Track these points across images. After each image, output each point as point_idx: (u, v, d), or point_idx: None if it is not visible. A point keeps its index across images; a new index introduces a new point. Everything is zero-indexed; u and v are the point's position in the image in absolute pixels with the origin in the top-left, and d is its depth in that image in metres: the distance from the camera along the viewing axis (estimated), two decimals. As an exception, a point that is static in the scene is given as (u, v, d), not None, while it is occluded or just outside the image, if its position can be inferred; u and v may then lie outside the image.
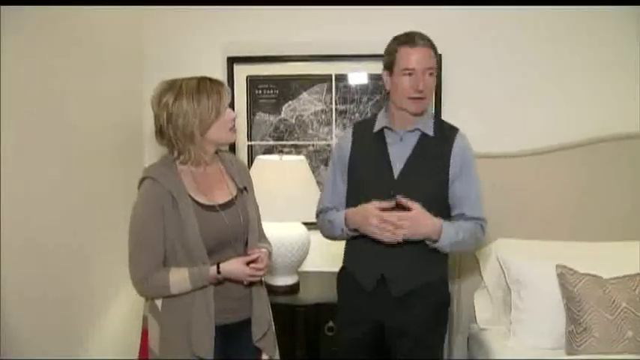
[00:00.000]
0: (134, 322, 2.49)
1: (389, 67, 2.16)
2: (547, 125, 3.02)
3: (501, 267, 2.74)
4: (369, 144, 2.22)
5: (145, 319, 2.01)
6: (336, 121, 3.11)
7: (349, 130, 2.33)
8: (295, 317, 2.74)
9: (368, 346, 2.26)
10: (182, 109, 1.87)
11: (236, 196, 2.04)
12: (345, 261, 2.35)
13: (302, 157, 2.95)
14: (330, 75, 3.08)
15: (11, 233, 1.96)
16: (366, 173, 2.20)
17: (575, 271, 2.49)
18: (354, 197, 2.21)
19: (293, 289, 2.89)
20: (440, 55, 2.94)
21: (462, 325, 3.00)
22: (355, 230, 2.17)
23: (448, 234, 2.08)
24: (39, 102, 2.16)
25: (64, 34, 2.33)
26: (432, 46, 2.13)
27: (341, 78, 3.09)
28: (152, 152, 2.99)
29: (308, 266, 3.04)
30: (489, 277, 2.83)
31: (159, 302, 1.94)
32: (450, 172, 2.13)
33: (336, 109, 3.11)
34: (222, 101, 1.92)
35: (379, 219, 2.04)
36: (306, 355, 2.75)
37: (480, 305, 2.87)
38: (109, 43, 2.74)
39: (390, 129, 2.19)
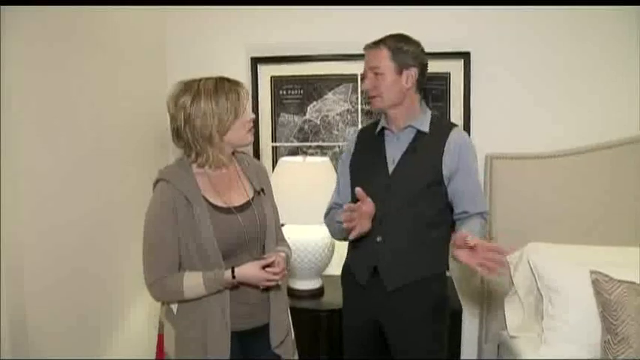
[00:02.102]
0: (151, 328, 2.47)
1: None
2: (575, 126, 2.91)
3: (532, 272, 2.64)
4: (369, 144, 2.27)
5: (161, 324, 1.97)
6: (361, 121, 3.04)
7: (357, 132, 2.39)
8: (319, 322, 2.68)
9: (365, 340, 2.26)
10: (200, 110, 1.82)
11: (253, 198, 1.99)
12: (347, 256, 2.35)
13: (326, 159, 2.89)
14: (356, 75, 3.01)
15: (31, 235, 1.96)
16: (363, 171, 2.24)
17: (611, 278, 2.37)
18: (355, 196, 2.18)
19: (317, 293, 2.84)
20: (468, 53, 2.91)
21: (491, 332, 2.90)
22: None
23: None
24: (61, 104, 2.16)
25: (86, 35, 2.33)
26: (389, 47, 2.13)
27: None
28: (178, 153, 2.97)
29: (332, 270, 2.98)
30: (520, 282, 2.72)
31: (174, 307, 1.90)
32: (444, 167, 2.12)
33: (362, 110, 3.04)
34: (240, 102, 1.87)
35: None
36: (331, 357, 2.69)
37: (510, 312, 2.76)
38: (132, 44, 2.74)
39: (388, 129, 2.22)
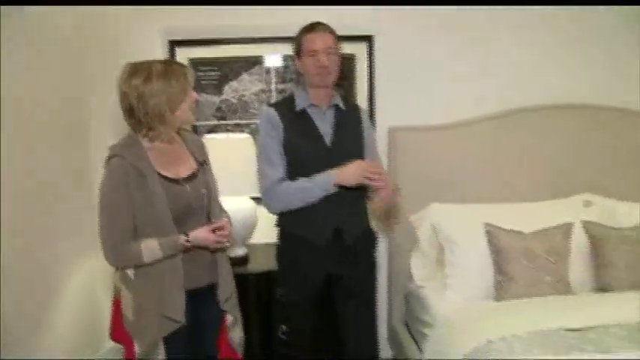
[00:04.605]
0: (93, 296, 2.58)
1: (298, 53, 2.48)
2: (469, 98, 3.32)
3: (434, 228, 3.02)
4: (296, 121, 2.48)
5: (117, 289, 2.13)
6: (276, 100, 3.27)
7: (271, 110, 2.51)
8: (247, 285, 2.91)
9: (317, 301, 2.51)
10: (153, 90, 1.98)
11: (197, 170, 2.19)
12: (287, 226, 2.54)
13: (247, 135, 3.11)
14: (269, 56, 3.25)
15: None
16: (302, 147, 2.45)
17: (501, 228, 2.80)
18: (294, 170, 2.44)
19: (243, 259, 3.06)
20: (371, 36, 3.23)
21: (399, 285, 3.27)
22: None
23: None
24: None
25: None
26: (332, 32, 2.45)
27: (279, 58, 3.27)
28: (99, 134, 3.08)
29: (256, 239, 3.20)
30: (424, 238, 3.11)
31: (131, 272, 2.06)
32: (365, 137, 2.55)
33: (276, 89, 3.28)
34: (188, 83, 2.06)
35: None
36: (260, 319, 2.93)
37: (415, 265, 3.15)
38: (48, 30, 2.76)
39: (314, 106, 2.48)
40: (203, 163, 2.23)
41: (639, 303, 2.62)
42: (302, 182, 2.41)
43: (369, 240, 2.59)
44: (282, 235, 2.57)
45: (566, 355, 2.16)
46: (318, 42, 2.41)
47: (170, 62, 2.05)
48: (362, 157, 2.47)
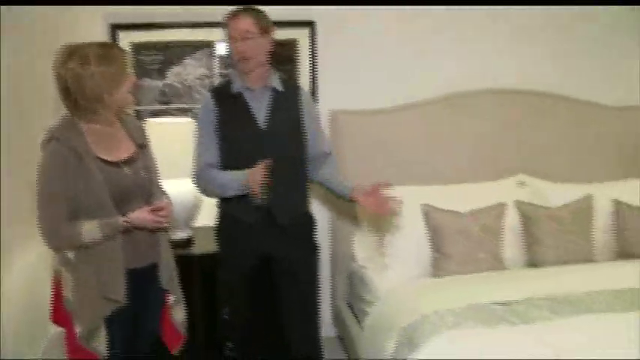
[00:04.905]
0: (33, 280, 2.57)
1: (227, 38, 2.51)
2: (413, 82, 3.43)
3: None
4: (231, 104, 2.51)
5: (57, 271, 2.13)
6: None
7: (209, 94, 2.59)
8: (192, 267, 2.96)
9: (255, 281, 2.57)
10: (90, 73, 1.98)
11: (136, 152, 2.21)
12: (223, 206, 2.60)
13: (190, 119, 3.12)
14: (212, 41, 3.27)
15: None
16: (235, 129, 2.49)
17: (438, 208, 2.91)
18: (228, 153, 2.49)
19: (187, 242, 3.10)
20: (313, 22, 3.28)
21: (342, 265, 3.36)
22: None
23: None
24: None
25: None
26: (256, 16, 2.44)
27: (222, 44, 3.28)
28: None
29: (201, 222, 3.23)
30: (365, 219, 3.19)
31: (71, 254, 2.07)
32: (304, 119, 2.54)
33: (219, 74, 3.30)
34: (126, 65, 2.07)
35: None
36: (205, 301, 2.98)
37: (358, 245, 3.24)
38: None
39: (248, 88, 2.50)
40: (142, 146, 2.25)
41: (565, 277, 2.78)
42: (222, 176, 2.49)
43: (306, 222, 2.62)
44: (219, 215, 2.62)
45: (494, 327, 2.28)
46: (233, 28, 2.42)
47: (108, 45, 2.06)
48: (298, 138, 2.51)
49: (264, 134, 2.46)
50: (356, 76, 3.40)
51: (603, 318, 2.37)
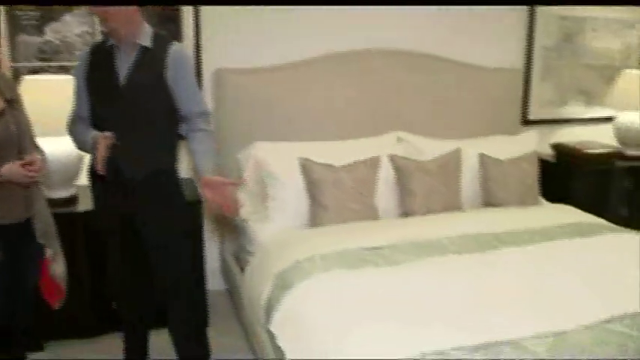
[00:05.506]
0: None
1: None
2: (299, 41, 3.54)
3: (258, 165, 3.23)
4: (100, 60, 2.50)
5: None
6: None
7: (86, 49, 2.60)
8: (76, 225, 2.99)
9: (122, 238, 2.59)
10: None
11: (5, 108, 2.20)
12: (90, 159, 2.59)
13: (69, 77, 3.09)
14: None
15: None
16: (97, 85, 2.50)
17: (314, 162, 3.06)
18: (93, 107, 2.51)
19: (71, 200, 3.11)
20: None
21: (227, 220, 3.47)
22: None
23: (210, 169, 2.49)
24: None
25: None
26: None
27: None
28: None
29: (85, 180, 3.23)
30: (249, 174, 3.30)
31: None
32: (168, 78, 2.46)
33: (101, 31, 3.27)
34: None
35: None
36: (90, 257, 3.02)
37: (242, 200, 3.34)
38: None
39: (117, 45, 2.48)
40: (12, 101, 2.24)
41: (431, 224, 3.03)
42: (80, 134, 2.52)
43: (166, 180, 2.55)
44: (88, 171, 2.62)
45: (361, 268, 2.48)
46: None
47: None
48: (160, 95, 2.46)
49: (124, 90, 2.44)
50: (240, 35, 3.46)
51: (459, 259, 2.62)
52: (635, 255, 2.66)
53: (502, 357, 1.88)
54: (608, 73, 4.33)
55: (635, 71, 4.15)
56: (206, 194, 2.44)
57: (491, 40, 4.01)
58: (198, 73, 3.41)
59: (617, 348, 1.96)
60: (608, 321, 2.10)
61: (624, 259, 2.63)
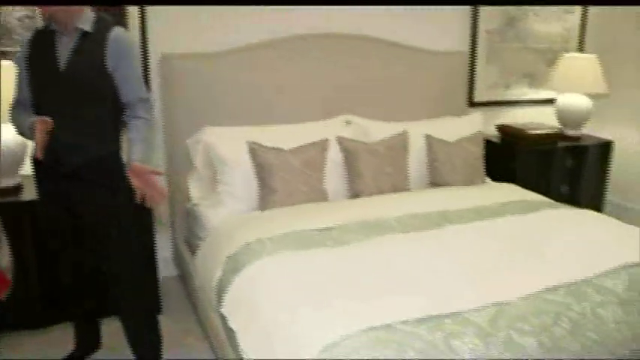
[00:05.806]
0: None
1: None
2: (249, 25, 3.55)
3: (208, 150, 3.22)
4: (42, 45, 2.47)
5: None
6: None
7: (30, 33, 2.56)
8: (21, 214, 2.93)
9: (64, 223, 2.57)
10: None
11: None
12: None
13: (10, 63, 3.02)
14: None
15: None
16: (38, 70, 2.46)
17: (262, 145, 3.08)
18: (33, 92, 2.46)
19: (16, 189, 3.05)
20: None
21: (180, 206, 3.46)
22: None
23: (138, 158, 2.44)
24: None
25: None
26: None
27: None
28: None
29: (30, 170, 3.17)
30: (199, 160, 3.31)
31: None
32: (107, 62, 2.42)
33: (41, 14, 3.20)
34: None
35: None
36: (37, 247, 2.97)
37: (193, 185, 3.35)
38: None
39: (57, 30, 2.44)
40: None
41: (380, 204, 3.09)
42: (20, 119, 2.47)
43: (107, 167, 2.49)
44: (32, 157, 2.54)
45: (310, 249, 2.51)
46: None
47: None
48: (98, 82, 2.42)
49: (63, 75, 2.41)
50: (188, 20, 3.43)
51: (406, 237, 2.68)
52: (574, 229, 2.78)
53: (445, 329, 1.94)
54: (550, 57, 4.47)
55: (574, 54, 4.29)
56: (133, 182, 2.40)
57: (438, 25, 4.09)
58: (145, 59, 3.38)
59: (554, 316, 2.05)
60: (545, 291, 2.19)
61: (563, 232, 2.73)
